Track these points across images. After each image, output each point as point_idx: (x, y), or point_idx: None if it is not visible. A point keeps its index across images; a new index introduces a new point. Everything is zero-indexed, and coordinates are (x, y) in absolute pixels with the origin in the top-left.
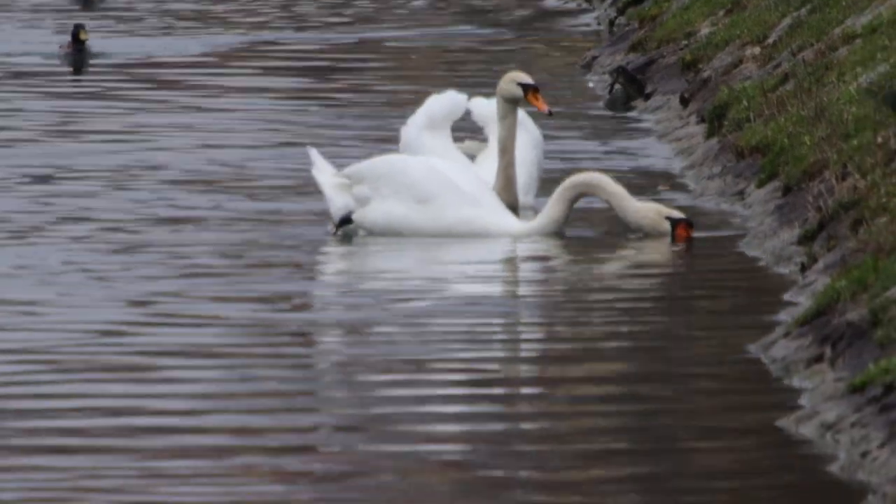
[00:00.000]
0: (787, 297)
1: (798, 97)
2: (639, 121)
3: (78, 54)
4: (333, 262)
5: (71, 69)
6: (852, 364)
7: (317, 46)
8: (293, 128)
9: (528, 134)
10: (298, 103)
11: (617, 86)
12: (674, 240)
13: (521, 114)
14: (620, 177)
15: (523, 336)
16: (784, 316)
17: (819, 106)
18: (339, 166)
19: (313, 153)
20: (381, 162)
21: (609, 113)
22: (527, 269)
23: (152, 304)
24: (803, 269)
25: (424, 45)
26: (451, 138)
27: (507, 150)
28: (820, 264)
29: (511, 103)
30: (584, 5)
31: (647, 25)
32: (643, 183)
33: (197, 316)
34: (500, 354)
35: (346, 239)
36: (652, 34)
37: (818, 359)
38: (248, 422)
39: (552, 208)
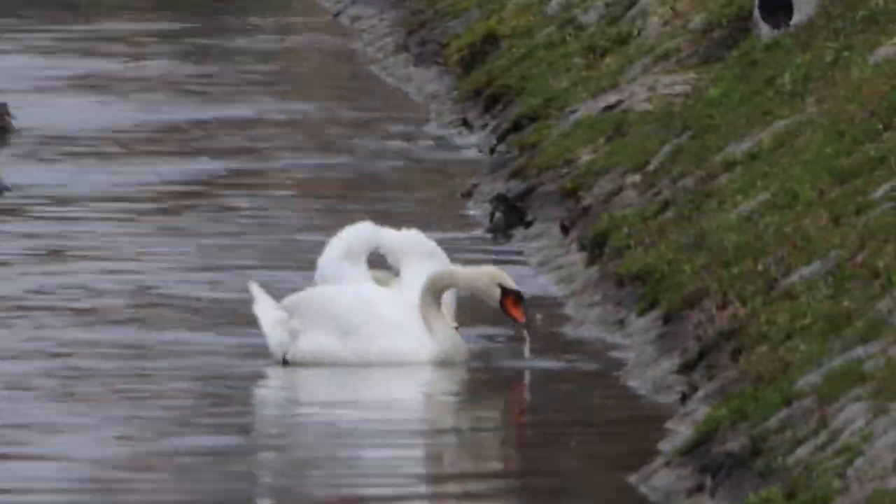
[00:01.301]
0: (667, 426)
1: (678, 225)
2: (518, 251)
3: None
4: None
5: None
6: (732, 493)
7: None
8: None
9: (440, 263)
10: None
11: (497, 214)
12: (503, 309)
13: (432, 244)
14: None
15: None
16: (664, 445)
17: (699, 233)
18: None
19: (254, 288)
20: (311, 293)
21: (490, 241)
22: (414, 401)
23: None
24: (683, 398)
25: (301, 176)
26: (367, 269)
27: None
28: (700, 393)
29: (454, 293)
30: (465, 132)
31: (528, 152)
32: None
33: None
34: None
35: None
36: (532, 161)
37: (699, 488)
38: None
39: (431, 326)
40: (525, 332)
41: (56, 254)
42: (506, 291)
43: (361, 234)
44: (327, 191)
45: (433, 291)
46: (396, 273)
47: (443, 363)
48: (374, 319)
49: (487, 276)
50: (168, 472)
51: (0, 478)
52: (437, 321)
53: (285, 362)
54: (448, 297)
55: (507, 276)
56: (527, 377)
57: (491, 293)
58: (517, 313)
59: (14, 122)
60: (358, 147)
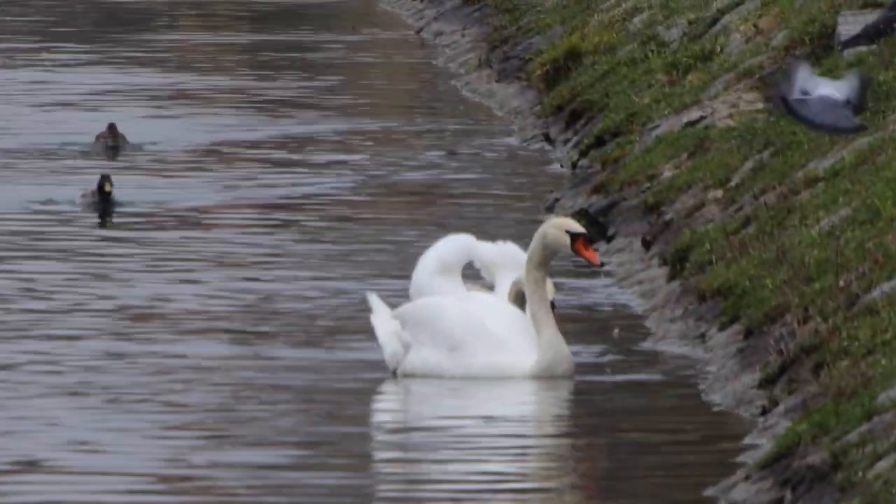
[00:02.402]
0: (747, 440)
1: (760, 240)
2: (601, 263)
3: (103, 204)
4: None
5: (96, 216)
6: None
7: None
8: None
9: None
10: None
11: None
12: (575, 253)
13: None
14: (578, 317)
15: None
16: (744, 459)
17: (781, 249)
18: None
19: (372, 298)
20: (421, 306)
21: (572, 255)
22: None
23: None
24: (764, 412)
25: (398, 189)
26: (461, 282)
27: (538, 290)
28: (781, 408)
29: (548, 255)
30: (547, 147)
31: (610, 168)
32: (600, 325)
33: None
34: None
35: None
36: (614, 176)
37: (778, 502)
38: None
39: (540, 329)
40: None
41: (171, 263)
42: (574, 236)
43: (456, 247)
44: (411, 204)
45: (533, 282)
46: (491, 287)
47: (545, 375)
48: (480, 334)
49: (552, 226)
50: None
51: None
52: (546, 326)
53: (395, 374)
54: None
55: (571, 221)
56: (608, 390)
57: (561, 241)
58: (590, 254)
59: (125, 140)
60: (443, 161)
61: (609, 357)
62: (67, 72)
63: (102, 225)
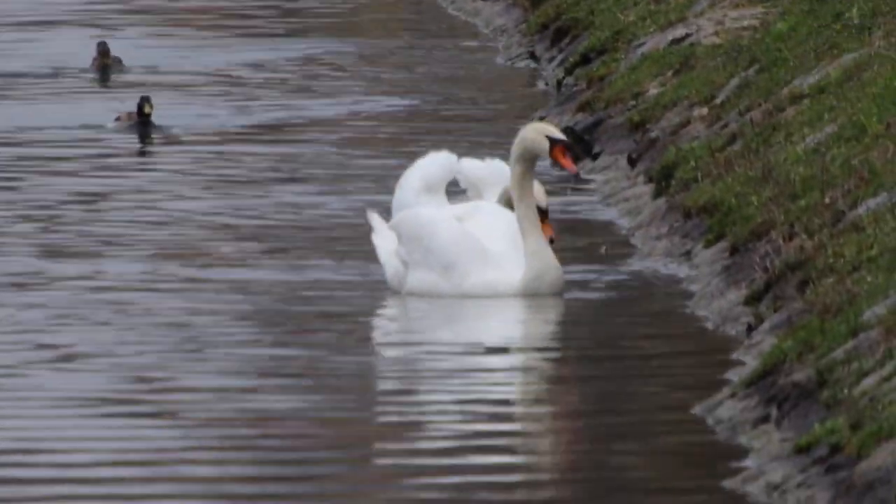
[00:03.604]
0: (733, 357)
1: (746, 157)
2: (586, 180)
3: (142, 127)
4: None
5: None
6: (798, 425)
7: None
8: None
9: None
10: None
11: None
12: (553, 160)
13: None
14: (564, 232)
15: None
16: (730, 376)
17: (766, 166)
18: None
19: (373, 217)
20: (415, 220)
21: (555, 172)
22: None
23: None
24: (750, 329)
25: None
26: (446, 199)
27: (523, 197)
28: (766, 325)
29: (528, 159)
30: (532, 64)
31: (595, 86)
32: (587, 242)
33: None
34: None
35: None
36: (600, 94)
37: (764, 419)
38: None
39: (527, 240)
40: (575, 178)
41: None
42: (553, 141)
43: (439, 164)
44: (400, 126)
45: (518, 188)
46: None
47: (534, 287)
48: (472, 253)
49: (534, 129)
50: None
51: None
52: (531, 235)
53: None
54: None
55: (552, 127)
56: (593, 309)
57: (540, 145)
58: (567, 163)
59: (120, 62)
60: (427, 81)
61: (595, 276)
62: None
63: (143, 147)
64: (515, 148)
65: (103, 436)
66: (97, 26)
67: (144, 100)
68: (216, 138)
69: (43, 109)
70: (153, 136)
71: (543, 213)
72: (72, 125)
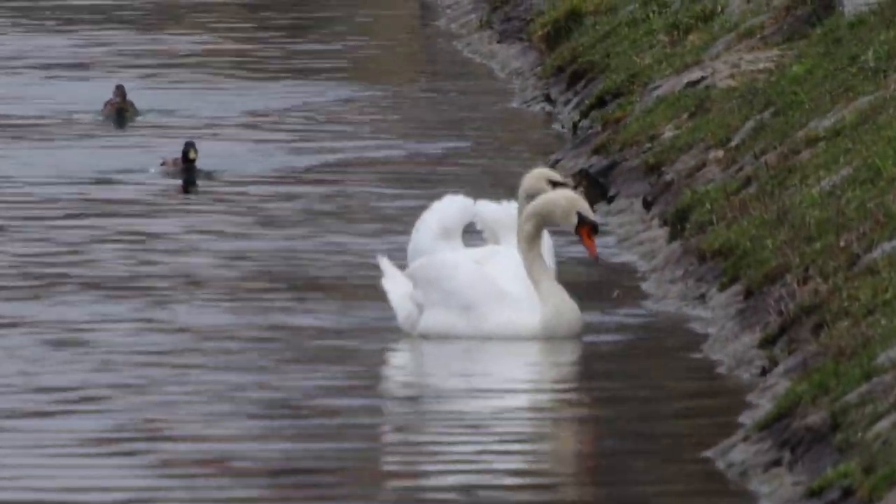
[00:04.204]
0: (746, 400)
1: (761, 200)
2: (602, 223)
3: (187, 173)
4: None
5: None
6: (811, 468)
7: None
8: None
9: (545, 239)
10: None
11: (580, 189)
12: (576, 234)
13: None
14: (580, 278)
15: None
16: (743, 419)
17: (781, 209)
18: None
19: (383, 262)
20: (433, 264)
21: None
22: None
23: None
24: (764, 372)
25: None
26: (462, 244)
27: (532, 249)
28: (780, 368)
29: (547, 222)
30: (548, 108)
31: (611, 128)
32: (602, 286)
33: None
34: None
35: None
36: (615, 137)
37: (776, 463)
38: None
39: (539, 286)
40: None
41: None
42: (582, 220)
43: (457, 209)
44: (418, 166)
45: (528, 235)
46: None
47: (552, 327)
48: (491, 294)
49: (567, 200)
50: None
51: None
52: (543, 280)
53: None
54: (548, 260)
55: (585, 204)
56: (607, 352)
57: (569, 218)
58: (590, 245)
59: (134, 106)
60: (443, 123)
61: (609, 319)
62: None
63: (186, 192)
64: (540, 208)
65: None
66: (103, 71)
67: (189, 145)
68: (261, 180)
69: (87, 153)
70: (198, 181)
71: (595, 227)
72: (110, 169)
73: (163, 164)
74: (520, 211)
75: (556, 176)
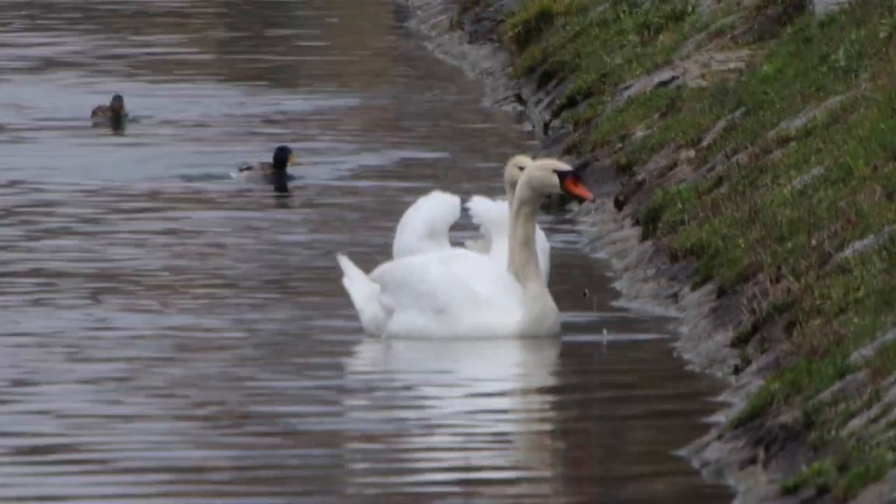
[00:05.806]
0: (720, 399)
1: (732, 200)
2: (573, 223)
3: (279, 178)
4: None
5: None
6: (785, 466)
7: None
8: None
9: (540, 239)
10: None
11: None
12: (565, 192)
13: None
14: (552, 277)
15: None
16: (717, 418)
17: (753, 209)
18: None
19: (344, 262)
20: (402, 268)
21: (545, 215)
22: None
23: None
24: (737, 371)
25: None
26: (448, 244)
27: (526, 242)
28: (753, 367)
29: (536, 198)
30: (519, 108)
31: (582, 128)
32: (573, 285)
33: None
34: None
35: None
36: (586, 137)
37: (751, 461)
38: None
39: (525, 284)
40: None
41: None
42: (562, 174)
43: (441, 208)
44: (389, 166)
45: (521, 230)
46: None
47: (531, 331)
48: (465, 295)
49: (538, 167)
50: None
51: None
52: (533, 280)
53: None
54: (542, 263)
55: (557, 161)
56: (579, 352)
57: (550, 180)
58: (581, 191)
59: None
60: (415, 125)
61: (581, 319)
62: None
63: (280, 198)
64: (523, 188)
65: None
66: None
67: (286, 151)
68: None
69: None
70: (289, 186)
71: (576, 174)
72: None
73: (248, 168)
74: (510, 202)
75: (526, 161)
